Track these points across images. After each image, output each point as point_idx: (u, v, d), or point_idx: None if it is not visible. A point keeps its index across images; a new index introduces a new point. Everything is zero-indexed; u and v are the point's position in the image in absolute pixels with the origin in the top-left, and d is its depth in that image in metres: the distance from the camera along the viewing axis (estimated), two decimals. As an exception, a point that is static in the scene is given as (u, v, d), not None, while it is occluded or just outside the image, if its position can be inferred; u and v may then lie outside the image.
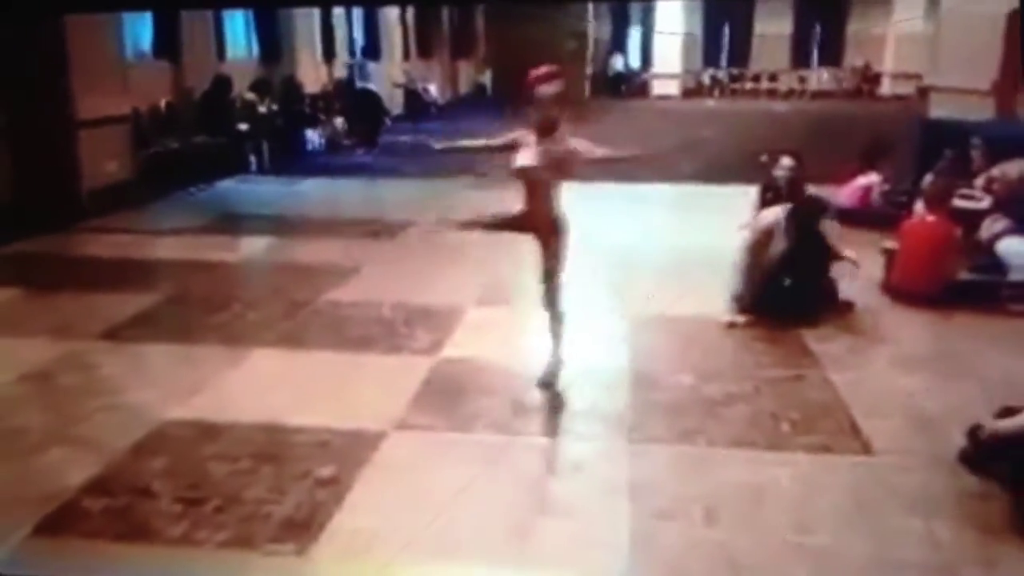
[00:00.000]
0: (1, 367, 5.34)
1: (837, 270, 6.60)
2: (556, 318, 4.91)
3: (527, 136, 4.64)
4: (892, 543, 3.45)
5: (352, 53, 20.25)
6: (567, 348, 5.02)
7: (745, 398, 4.86)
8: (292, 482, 3.89)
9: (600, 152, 4.79)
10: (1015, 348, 5.51)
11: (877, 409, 4.70)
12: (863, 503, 3.76)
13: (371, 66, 19.60)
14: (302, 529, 3.52)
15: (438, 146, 5.50)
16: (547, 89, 4.55)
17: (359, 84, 17.85)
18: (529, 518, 3.67)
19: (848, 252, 7.06)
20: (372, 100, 17.08)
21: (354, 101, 17.13)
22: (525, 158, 4.60)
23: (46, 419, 4.63)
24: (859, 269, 6.61)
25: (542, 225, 4.73)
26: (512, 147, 4.69)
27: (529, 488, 3.98)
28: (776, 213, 6.38)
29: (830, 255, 6.66)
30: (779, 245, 6.26)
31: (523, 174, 4.64)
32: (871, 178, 9.45)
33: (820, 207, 6.72)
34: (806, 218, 6.41)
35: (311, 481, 3.90)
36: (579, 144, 4.68)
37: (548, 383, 4.94)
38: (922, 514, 3.65)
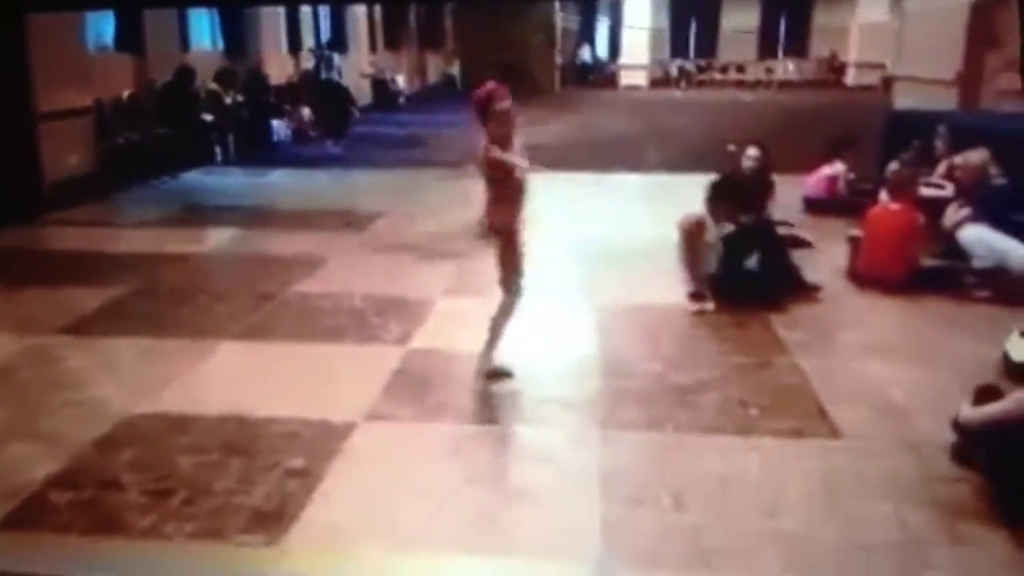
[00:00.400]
0: (-38, 362, 5.26)
1: (801, 256, 6.69)
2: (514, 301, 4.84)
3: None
4: (861, 526, 3.48)
5: (318, 45, 20.12)
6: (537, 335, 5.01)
7: (714, 385, 4.89)
8: (262, 474, 3.86)
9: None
10: (979, 333, 5.58)
11: (845, 395, 4.74)
12: (832, 487, 3.78)
13: (337, 57, 19.48)
14: (272, 520, 3.49)
15: None
16: (504, 104, 4.56)
17: (324, 75, 17.75)
18: (502, 506, 3.67)
19: (804, 234, 7.21)
20: (339, 92, 16.98)
21: (320, 93, 17.02)
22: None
23: (8, 413, 4.55)
24: (813, 248, 6.92)
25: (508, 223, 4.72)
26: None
27: (501, 476, 3.98)
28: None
29: (786, 239, 6.81)
30: (713, 232, 6.33)
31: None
32: (836, 167, 9.54)
33: (753, 186, 6.83)
34: (741, 197, 6.51)
35: (281, 472, 3.87)
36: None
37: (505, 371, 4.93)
38: (890, 497, 3.68)
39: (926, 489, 3.77)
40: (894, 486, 3.79)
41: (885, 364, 5.21)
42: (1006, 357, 5.00)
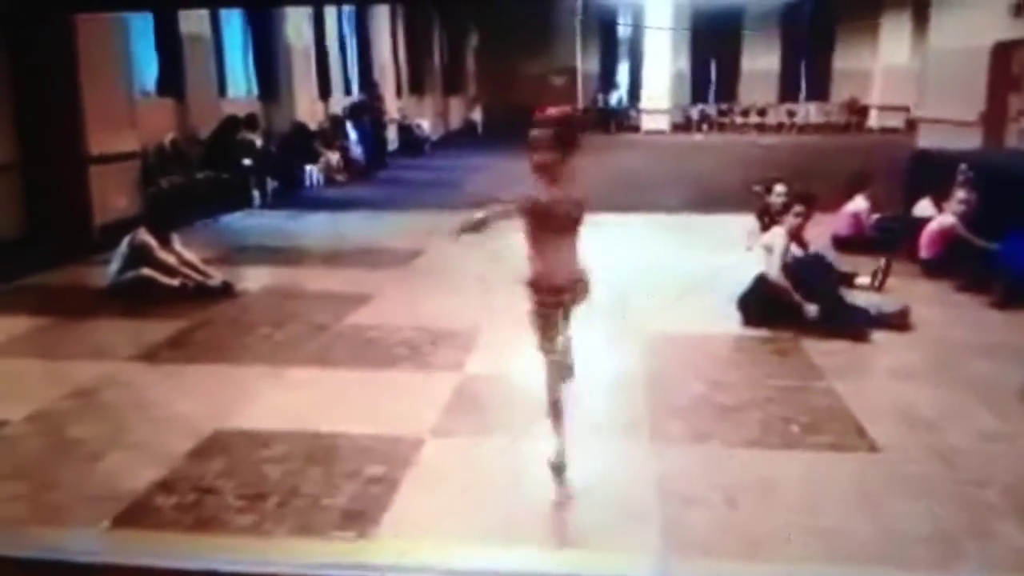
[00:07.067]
0: (47, 385, 5.64)
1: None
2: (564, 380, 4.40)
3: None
4: (895, 522, 3.81)
5: (348, 92, 20.88)
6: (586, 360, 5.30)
7: (756, 405, 5.22)
8: (345, 480, 4.21)
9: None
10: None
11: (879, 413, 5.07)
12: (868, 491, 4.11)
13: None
14: (361, 518, 3.84)
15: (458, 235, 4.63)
16: (538, 132, 4.09)
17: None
18: (567, 506, 4.06)
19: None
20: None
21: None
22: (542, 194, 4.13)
23: (100, 428, 4.93)
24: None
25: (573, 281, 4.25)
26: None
27: (564, 480, 4.27)
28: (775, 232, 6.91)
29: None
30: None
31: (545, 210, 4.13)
32: (858, 204, 9.84)
33: None
34: None
35: (362, 478, 4.22)
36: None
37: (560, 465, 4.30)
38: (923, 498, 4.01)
39: (957, 490, 4.11)
40: (926, 488, 4.11)
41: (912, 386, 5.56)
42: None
